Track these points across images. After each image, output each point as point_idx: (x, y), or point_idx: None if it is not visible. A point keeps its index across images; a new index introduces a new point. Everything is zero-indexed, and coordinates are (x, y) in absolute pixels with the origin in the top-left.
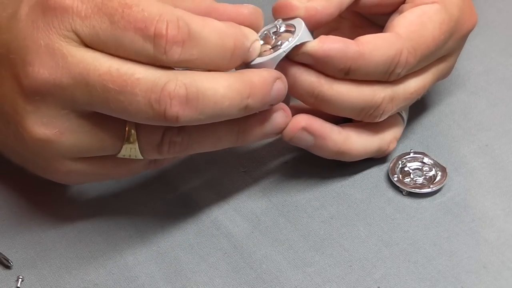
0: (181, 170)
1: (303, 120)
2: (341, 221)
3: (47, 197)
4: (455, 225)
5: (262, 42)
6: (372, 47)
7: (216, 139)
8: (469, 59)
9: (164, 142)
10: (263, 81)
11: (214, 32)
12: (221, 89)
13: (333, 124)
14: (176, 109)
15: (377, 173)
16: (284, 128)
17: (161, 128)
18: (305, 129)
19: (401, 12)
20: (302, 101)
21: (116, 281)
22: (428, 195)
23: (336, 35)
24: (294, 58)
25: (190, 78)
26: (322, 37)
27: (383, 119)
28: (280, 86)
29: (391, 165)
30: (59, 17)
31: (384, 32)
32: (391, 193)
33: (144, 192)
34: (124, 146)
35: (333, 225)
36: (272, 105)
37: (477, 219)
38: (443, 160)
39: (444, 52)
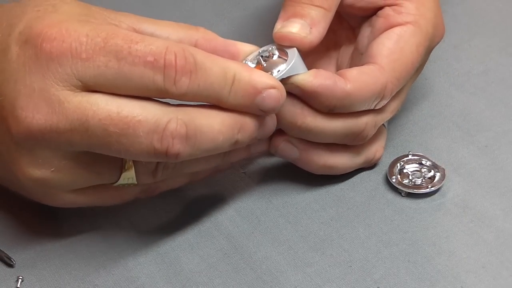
0: None
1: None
2: (341, 223)
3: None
4: (454, 225)
5: (253, 65)
6: (359, 85)
7: (205, 161)
8: (468, 60)
9: (158, 168)
10: (253, 117)
11: (216, 64)
12: (216, 125)
13: None
14: (178, 147)
15: (376, 175)
16: (265, 152)
17: None
18: (289, 141)
19: (373, 27)
20: (284, 130)
21: (116, 282)
22: (427, 196)
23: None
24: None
25: (188, 115)
26: (314, 71)
27: (366, 141)
28: (269, 122)
29: (390, 167)
30: (56, 62)
31: (364, 60)
32: (390, 195)
33: None
34: (122, 175)
35: (333, 226)
36: (260, 139)
37: (476, 219)
38: (442, 161)
39: (419, 68)
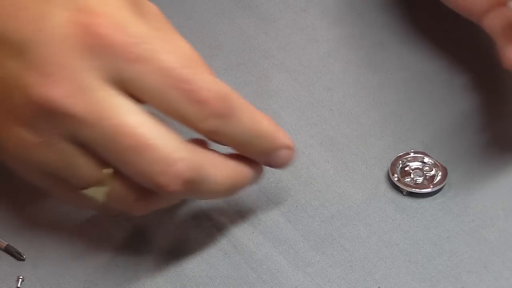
0: None
1: None
2: (342, 221)
3: (47, 197)
4: (455, 225)
5: None
6: None
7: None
8: (469, 58)
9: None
10: (253, 168)
11: (252, 117)
12: (219, 178)
13: None
14: (177, 188)
15: (377, 173)
16: None
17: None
18: None
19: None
20: None
21: (116, 282)
22: (429, 195)
23: None
24: None
25: (200, 161)
26: None
27: None
28: (261, 170)
29: (391, 165)
30: (102, 52)
31: None
32: (392, 193)
33: None
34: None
35: (333, 224)
36: None
37: (478, 219)
38: (444, 160)
39: None
